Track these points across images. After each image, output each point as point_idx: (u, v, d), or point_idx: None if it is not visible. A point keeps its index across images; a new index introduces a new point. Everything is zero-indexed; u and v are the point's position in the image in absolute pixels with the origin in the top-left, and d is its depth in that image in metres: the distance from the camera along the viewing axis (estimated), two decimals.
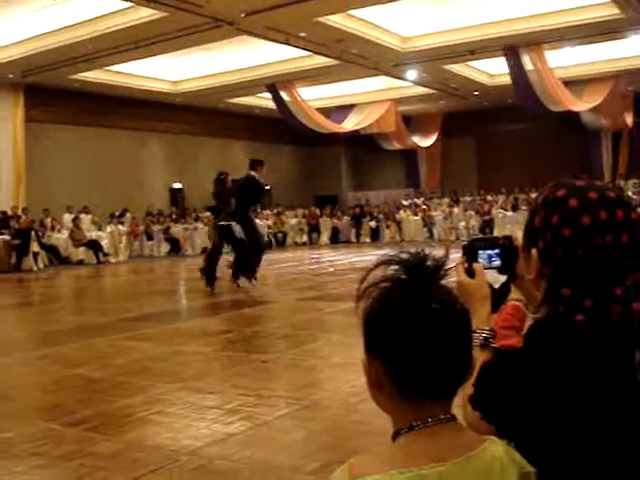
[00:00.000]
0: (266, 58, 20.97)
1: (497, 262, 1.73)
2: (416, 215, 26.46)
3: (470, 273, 1.67)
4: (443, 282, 1.24)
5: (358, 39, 18.13)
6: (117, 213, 22.80)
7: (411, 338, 1.17)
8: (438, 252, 1.29)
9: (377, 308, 1.22)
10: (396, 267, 1.24)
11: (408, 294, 1.20)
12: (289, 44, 18.32)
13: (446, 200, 28.31)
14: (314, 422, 4.55)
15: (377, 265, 1.26)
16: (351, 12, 16.82)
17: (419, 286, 1.20)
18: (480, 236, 1.87)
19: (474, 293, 1.62)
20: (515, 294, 1.75)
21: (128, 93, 23.17)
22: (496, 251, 1.73)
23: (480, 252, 1.73)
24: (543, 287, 1.37)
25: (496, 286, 1.71)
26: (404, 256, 1.24)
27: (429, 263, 1.23)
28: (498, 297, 1.70)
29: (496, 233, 23.39)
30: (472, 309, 1.45)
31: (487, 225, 24.66)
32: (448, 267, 1.26)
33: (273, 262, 18.81)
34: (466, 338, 1.23)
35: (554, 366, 1.25)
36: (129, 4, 15.18)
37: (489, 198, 26.82)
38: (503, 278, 1.73)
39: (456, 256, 1.71)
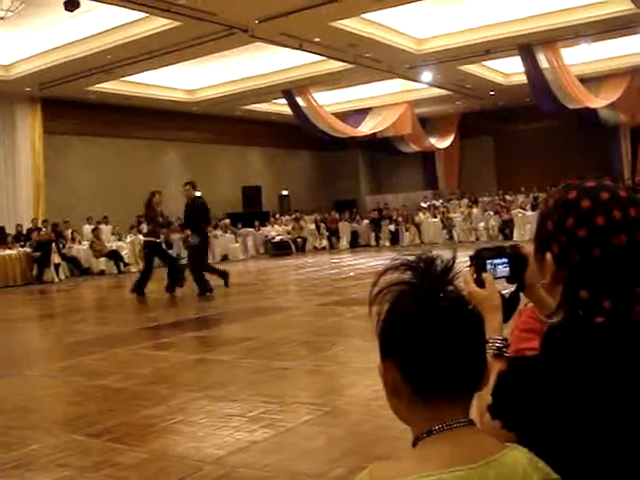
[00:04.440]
0: (281, 64, 21.01)
1: (505, 271, 1.72)
2: (435, 217, 26.36)
3: (480, 283, 1.66)
4: (453, 283, 1.24)
5: (372, 42, 18.12)
6: (136, 221, 22.91)
7: (424, 338, 1.17)
8: (446, 254, 1.29)
9: (389, 312, 1.23)
10: (405, 271, 1.24)
11: (419, 296, 1.21)
12: (303, 49, 18.33)
13: (465, 201, 28.19)
14: (337, 428, 4.55)
15: (387, 270, 1.26)
16: (364, 16, 16.81)
17: (429, 288, 1.21)
18: (487, 245, 1.86)
19: (485, 303, 1.61)
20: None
21: (144, 103, 23.28)
22: (504, 260, 1.72)
23: (488, 262, 1.72)
24: (559, 291, 1.36)
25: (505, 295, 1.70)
26: (413, 259, 1.25)
27: (438, 265, 1.24)
28: (508, 306, 1.69)
29: (516, 233, 23.31)
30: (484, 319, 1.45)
31: (507, 225, 24.51)
32: (457, 269, 1.26)
33: (293, 268, 18.83)
34: (479, 337, 1.23)
35: (576, 370, 1.24)
36: (144, 15, 15.26)
37: (508, 198, 26.68)
38: (512, 287, 1.72)
39: (465, 258, 1.71)
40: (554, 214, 1.34)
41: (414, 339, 1.18)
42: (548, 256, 1.35)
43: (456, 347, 1.18)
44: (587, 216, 1.29)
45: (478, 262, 1.72)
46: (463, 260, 1.71)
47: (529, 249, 1.66)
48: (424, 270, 1.23)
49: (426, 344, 1.17)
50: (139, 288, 13.37)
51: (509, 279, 1.72)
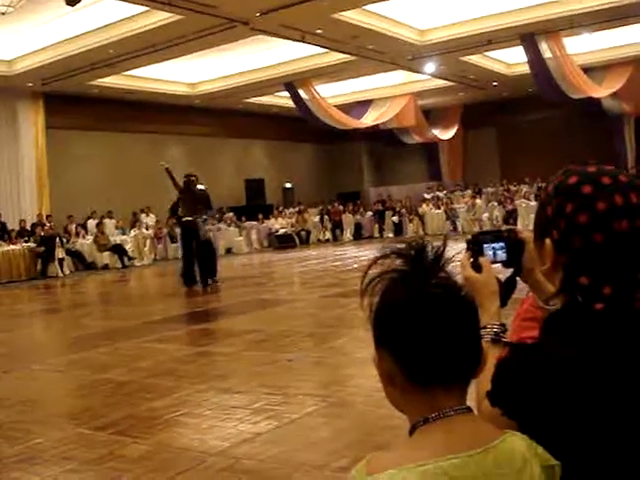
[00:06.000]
0: (283, 56, 20.97)
1: (502, 256, 1.70)
2: (439, 208, 26.36)
3: (476, 268, 1.64)
4: (445, 270, 1.23)
5: (374, 34, 18.08)
6: (140, 210, 23.02)
7: (416, 324, 1.16)
8: (436, 242, 1.28)
9: (381, 301, 1.22)
10: (396, 259, 1.24)
11: (410, 283, 1.20)
12: (305, 42, 18.28)
13: (468, 192, 28.15)
14: (341, 419, 4.56)
15: (377, 259, 1.26)
16: (366, 7, 16.77)
17: (420, 274, 1.21)
18: (484, 230, 1.85)
19: (482, 288, 1.59)
20: None
21: (146, 97, 23.25)
22: (501, 244, 1.69)
23: (485, 246, 1.69)
24: (558, 277, 1.35)
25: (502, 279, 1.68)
26: (403, 248, 1.24)
27: (428, 252, 1.23)
28: (505, 291, 1.66)
29: (520, 223, 23.28)
30: (481, 305, 1.43)
31: (510, 215, 24.48)
32: (447, 255, 1.25)
33: (297, 260, 18.84)
34: (472, 323, 1.22)
35: (576, 357, 1.23)
36: (145, 8, 15.24)
37: (512, 188, 26.64)
38: (509, 272, 1.70)
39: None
40: (553, 199, 1.33)
41: (406, 326, 1.17)
42: (547, 241, 1.34)
43: (449, 333, 1.17)
44: (588, 202, 1.28)
45: (475, 246, 1.70)
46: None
47: (527, 233, 1.64)
48: (415, 257, 1.22)
49: (418, 331, 1.16)
50: (188, 277, 13.03)
51: (506, 263, 1.70)
